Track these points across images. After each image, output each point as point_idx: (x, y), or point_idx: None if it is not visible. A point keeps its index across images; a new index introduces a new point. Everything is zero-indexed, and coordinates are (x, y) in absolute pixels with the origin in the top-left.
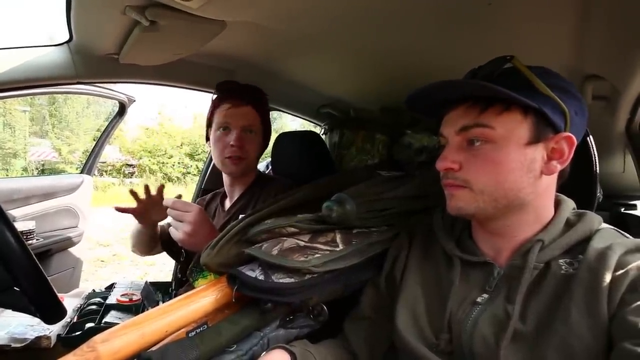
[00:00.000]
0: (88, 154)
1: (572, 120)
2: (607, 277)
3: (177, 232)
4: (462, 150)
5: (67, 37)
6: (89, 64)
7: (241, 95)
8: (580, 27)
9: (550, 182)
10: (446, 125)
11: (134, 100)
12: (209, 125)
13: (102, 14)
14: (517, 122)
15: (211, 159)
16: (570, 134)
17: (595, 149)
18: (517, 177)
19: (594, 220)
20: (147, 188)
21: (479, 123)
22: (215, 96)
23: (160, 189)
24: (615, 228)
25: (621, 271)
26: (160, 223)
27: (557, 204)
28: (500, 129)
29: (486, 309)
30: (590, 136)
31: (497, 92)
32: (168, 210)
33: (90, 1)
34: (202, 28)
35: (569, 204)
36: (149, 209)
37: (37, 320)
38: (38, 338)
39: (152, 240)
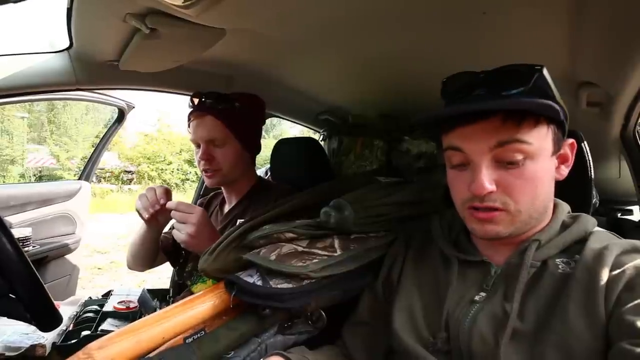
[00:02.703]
0: (86, 160)
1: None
2: (604, 277)
3: (181, 234)
4: (495, 168)
5: (67, 44)
6: (89, 70)
7: (200, 106)
8: (574, 35)
9: (553, 186)
10: (469, 140)
11: (133, 107)
12: None
13: (103, 21)
14: (544, 135)
15: None
16: (573, 140)
17: (590, 154)
18: (547, 188)
19: (589, 221)
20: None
21: (518, 139)
22: None
23: (168, 191)
24: (610, 231)
25: (618, 270)
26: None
27: (553, 208)
28: (535, 143)
29: (484, 307)
30: (585, 142)
31: (554, 112)
32: (172, 212)
33: (91, 9)
34: (201, 35)
35: (565, 208)
36: (157, 212)
37: (32, 328)
38: (33, 346)
39: (154, 246)
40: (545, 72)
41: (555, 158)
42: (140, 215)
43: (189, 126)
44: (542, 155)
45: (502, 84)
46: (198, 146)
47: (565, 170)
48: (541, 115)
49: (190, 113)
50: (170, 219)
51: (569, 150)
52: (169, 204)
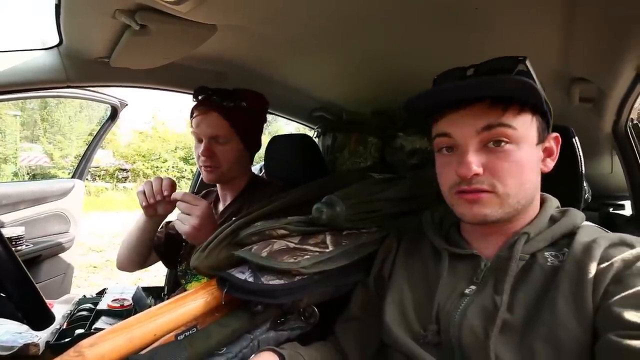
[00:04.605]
0: (80, 158)
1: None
2: (592, 269)
3: (184, 225)
4: (482, 152)
5: (57, 41)
6: (80, 67)
7: (206, 102)
8: (566, 31)
9: (539, 177)
10: (457, 125)
11: (126, 104)
12: None
13: (92, 17)
14: (529, 123)
15: None
16: (557, 135)
17: (580, 150)
18: (533, 176)
19: (577, 215)
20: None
21: (503, 123)
22: None
23: (173, 183)
24: (598, 225)
25: (606, 263)
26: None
27: (542, 202)
28: (520, 129)
29: (474, 300)
30: (576, 137)
31: (537, 97)
32: (178, 203)
33: (79, 5)
34: (192, 32)
35: (553, 202)
36: (157, 202)
37: (25, 327)
38: (26, 345)
39: (149, 240)
40: (527, 62)
41: (541, 150)
42: (140, 202)
43: (192, 120)
44: (527, 143)
45: (488, 73)
46: (200, 141)
47: (550, 164)
48: (525, 104)
49: (195, 107)
50: (169, 212)
51: (554, 144)
52: (175, 195)
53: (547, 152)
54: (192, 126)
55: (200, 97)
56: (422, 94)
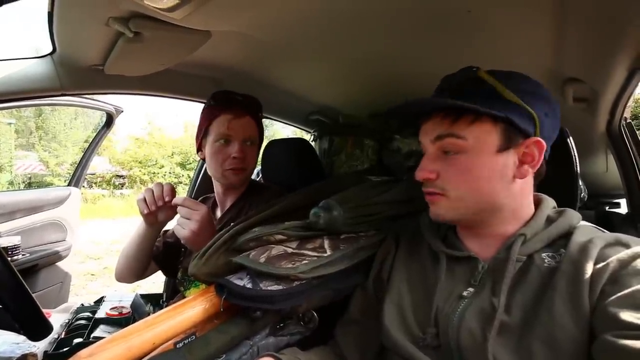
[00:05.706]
0: (75, 166)
1: (542, 123)
2: (589, 270)
3: (183, 230)
4: (438, 159)
5: (50, 49)
6: (74, 75)
7: (242, 106)
8: (558, 32)
9: (524, 184)
10: (423, 134)
11: (122, 111)
12: (204, 136)
13: (85, 25)
14: (487, 131)
15: (201, 169)
16: (539, 139)
17: (575, 149)
18: (492, 184)
19: (574, 216)
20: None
21: (452, 133)
22: (209, 106)
23: (173, 189)
24: (594, 225)
25: (602, 264)
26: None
27: (538, 203)
28: (471, 138)
29: (472, 302)
30: (571, 137)
31: (464, 108)
32: (178, 207)
33: (72, 13)
34: (186, 38)
35: (549, 203)
36: (158, 208)
37: (22, 337)
38: (24, 356)
39: (149, 249)
40: (481, 73)
41: (516, 155)
42: (141, 209)
43: (213, 121)
44: (481, 152)
45: (457, 87)
46: (226, 142)
47: (528, 170)
48: (481, 113)
49: (226, 110)
50: (170, 218)
51: (536, 150)
52: (176, 200)
53: (528, 158)
54: (217, 127)
55: (230, 101)
56: (387, 112)
